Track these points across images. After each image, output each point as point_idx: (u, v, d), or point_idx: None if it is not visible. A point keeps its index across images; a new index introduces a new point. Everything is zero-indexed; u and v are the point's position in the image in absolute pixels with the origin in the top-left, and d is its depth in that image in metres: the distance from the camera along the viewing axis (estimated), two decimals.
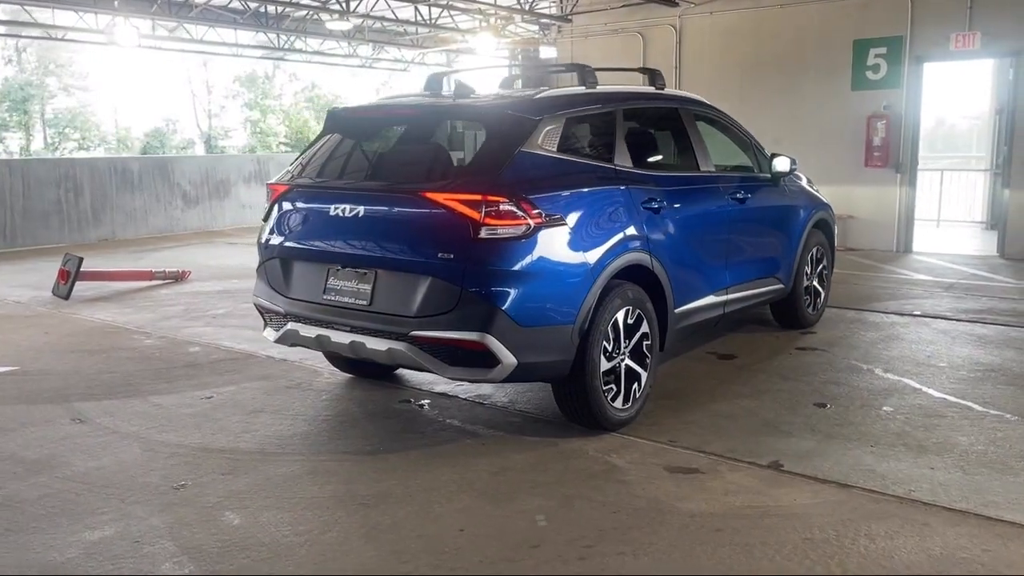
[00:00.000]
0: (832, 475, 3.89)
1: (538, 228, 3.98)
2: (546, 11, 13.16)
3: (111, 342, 6.68)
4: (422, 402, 5.06)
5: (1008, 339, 6.44)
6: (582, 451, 4.23)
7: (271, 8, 14.37)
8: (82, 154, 29.16)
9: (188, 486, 3.85)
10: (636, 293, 4.51)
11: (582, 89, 4.88)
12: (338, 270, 4.35)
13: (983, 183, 14.47)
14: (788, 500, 3.65)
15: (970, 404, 4.88)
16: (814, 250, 6.73)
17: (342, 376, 5.58)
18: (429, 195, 4.03)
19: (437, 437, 4.48)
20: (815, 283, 6.86)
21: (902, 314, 7.41)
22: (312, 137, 32.47)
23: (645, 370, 4.61)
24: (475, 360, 3.99)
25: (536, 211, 3.98)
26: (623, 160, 4.76)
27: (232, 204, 15.71)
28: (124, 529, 3.43)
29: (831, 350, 6.17)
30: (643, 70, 5.73)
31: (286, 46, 18.41)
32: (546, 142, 4.29)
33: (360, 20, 13.29)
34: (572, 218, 4.17)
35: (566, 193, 4.21)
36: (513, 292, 3.93)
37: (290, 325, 4.54)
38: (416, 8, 13.76)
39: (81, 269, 8.53)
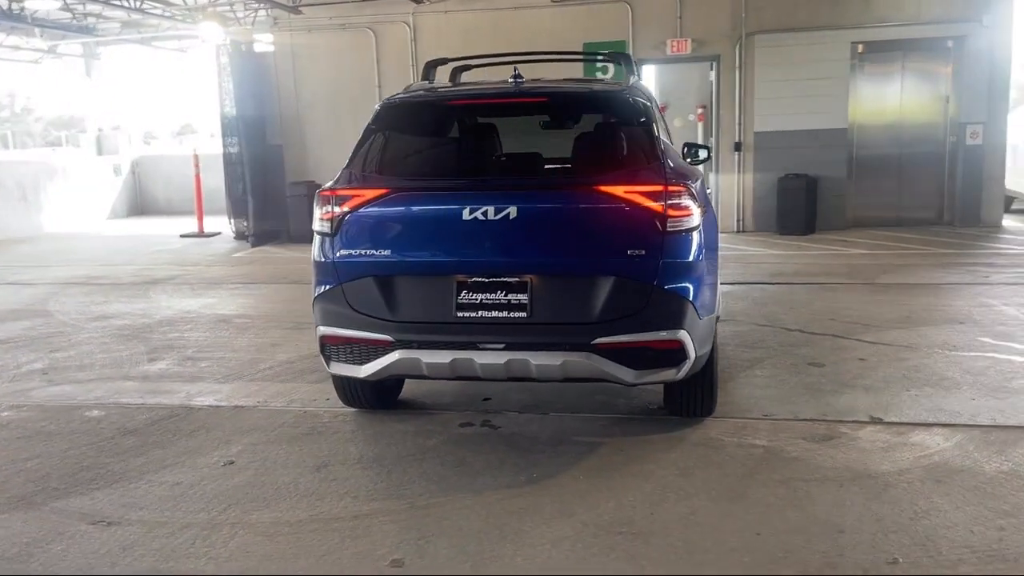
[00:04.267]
0: (928, 419, 4.46)
1: (702, 217, 3.93)
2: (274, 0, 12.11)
3: None
4: (487, 420, 4.62)
5: (853, 297, 7.73)
6: (719, 440, 4.26)
7: None
8: None
9: (418, 562, 3.14)
10: None
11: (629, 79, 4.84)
12: (475, 282, 3.80)
13: None
14: (935, 446, 4.12)
15: (909, 344, 5.86)
16: None
17: (346, 410, 4.84)
18: (607, 189, 3.73)
19: (568, 453, 4.15)
20: None
21: (733, 283, 8.42)
22: None
23: None
24: (665, 360, 3.82)
25: (698, 200, 3.92)
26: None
27: None
28: None
29: (739, 320, 6.85)
30: (613, 55, 5.68)
31: None
32: (659, 130, 4.23)
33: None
34: (706, 206, 4.18)
35: (699, 181, 4.19)
36: (694, 285, 3.85)
37: (400, 354, 3.85)
38: None
39: None
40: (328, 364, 4.11)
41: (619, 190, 3.75)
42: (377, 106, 4.29)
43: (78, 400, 5.24)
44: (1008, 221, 11.96)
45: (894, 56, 11.86)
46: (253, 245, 12.24)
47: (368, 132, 4.19)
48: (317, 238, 4.07)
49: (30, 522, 3.56)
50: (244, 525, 3.48)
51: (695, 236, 3.85)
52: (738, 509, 3.50)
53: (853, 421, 4.47)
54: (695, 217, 3.85)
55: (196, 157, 13.68)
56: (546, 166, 4.31)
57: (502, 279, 3.80)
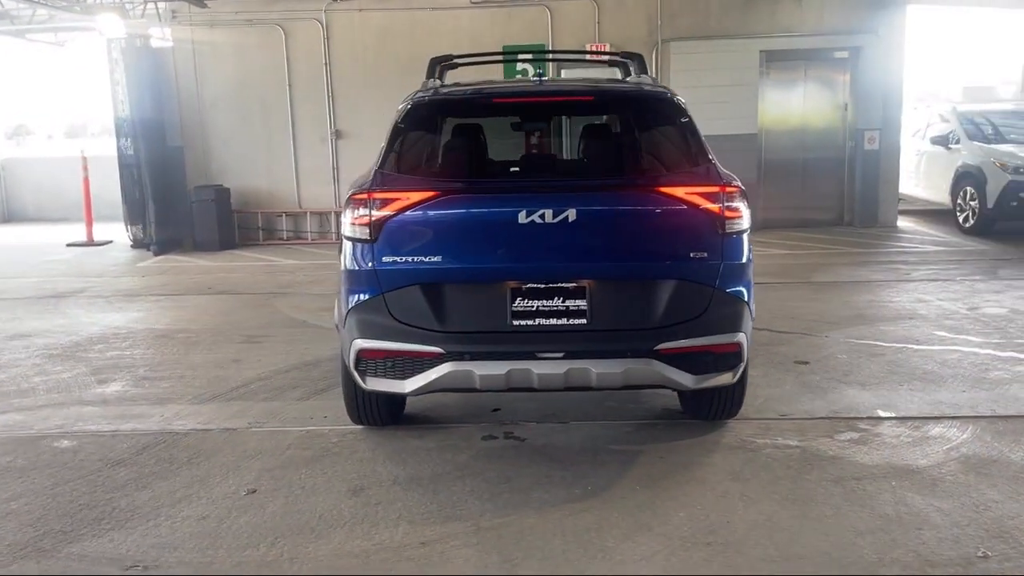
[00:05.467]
0: (935, 412, 4.63)
1: (750, 217, 3.92)
2: None
3: None
4: (509, 432, 4.46)
5: (798, 296, 7.97)
6: (752, 442, 4.27)
7: None
8: None
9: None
10: None
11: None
12: (530, 288, 3.62)
13: None
14: (956, 439, 4.26)
15: (876, 340, 6.08)
16: None
17: (353, 428, 4.54)
18: (668, 190, 3.65)
19: (610, 463, 4.05)
20: None
21: None
22: None
23: None
24: (723, 364, 3.78)
25: (747, 200, 3.90)
26: None
27: None
28: None
29: None
30: (625, 55, 5.54)
31: None
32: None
33: None
34: None
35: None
36: (747, 287, 3.84)
37: (452, 366, 3.62)
38: None
39: None
40: (363, 380, 3.82)
41: (679, 191, 3.69)
42: (407, 104, 4.03)
43: (36, 429, 4.68)
44: (900, 221, 12.73)
45: (797, 65, 12.40)
46: (156, 254, 11.43)
47: (397, 131, 3.93)
48: (349, 245, 3.78)
49: (52, 573, 3.12)
50: (304, 559, 3.18)
51: (745, 238, 3.84)
52: (810, 512, 3.50)
53: (868, 417, 4.58)
54: (746, 218, 3.84)
55: (84, 160, 12.64)
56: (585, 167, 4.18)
57: (559, 285, 3.64)
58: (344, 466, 4.07)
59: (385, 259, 3.67)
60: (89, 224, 12.67)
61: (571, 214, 3.60)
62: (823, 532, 3.32)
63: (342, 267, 3.87)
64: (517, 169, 4.06)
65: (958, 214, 11.80)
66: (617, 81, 4.61)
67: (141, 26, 11.89)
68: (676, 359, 3.68)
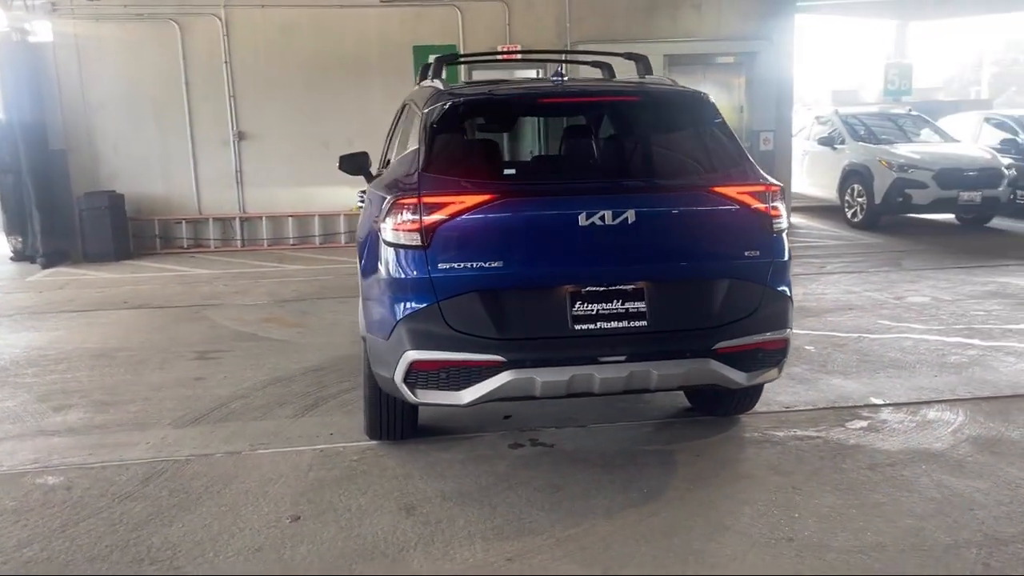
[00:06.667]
0: (922, 397, 4.91)
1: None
2: None
3: None
4: (533, 438, 4.38)
5: None
6: (774, 435, 4.38)
7: None
8: None
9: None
10: None
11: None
12: (590, 291, 3.55)
13: None
14: (954, 421, 4.53)
15: (832, 331, 6.39)
16: None
17: (369, 444, 4.36)
18: (721, 190, 3.67)
19: (651, 464, 4.05)
20: None
21: None
22: None
23: None
24: (771, 360, 3.85)
25: (785, 199, 3.98)
26: None
27: None
28: None
29: None
30: (630, 55, 5.45)
31: None
32: None
33: None
34: None
35: None
36: (788, 285, 3.91)
37: (513, 374, 3.49)
38: None
39: None
40: (413, 393, 3.62)
41: (732, 191, 3.72)
42: (444, 103, 3.83)
43: (8, 466, 4.19)
44: (792, 218, 13.43)
45: (697, 69, 12.86)
46: (44, 266, 10.49)
47: (433, 132, 3.76)
48: (392, 251, 3.58)
49: None
50: None
51: (786, 236, 3.93)
52: (866, 501, 3.62)
53: (866, 406, 4.80)
54: (786, 216, 3.93)
55: None
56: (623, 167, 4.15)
57: (619, 287, 3.59)
58: (381, 485, 3.86)
59: (441, 266, 3.50)
60: None
61: (630, 215, 3.56)
62: (888, 519, 3.44)
63: (382, 275, 3.66)
64: (577, 169, 4.00)
65: (846, 210, 12.57)
66: (649, 81, 4.60)
67: (17, 19, 10.88)
68: (731, 358, 3.71)
